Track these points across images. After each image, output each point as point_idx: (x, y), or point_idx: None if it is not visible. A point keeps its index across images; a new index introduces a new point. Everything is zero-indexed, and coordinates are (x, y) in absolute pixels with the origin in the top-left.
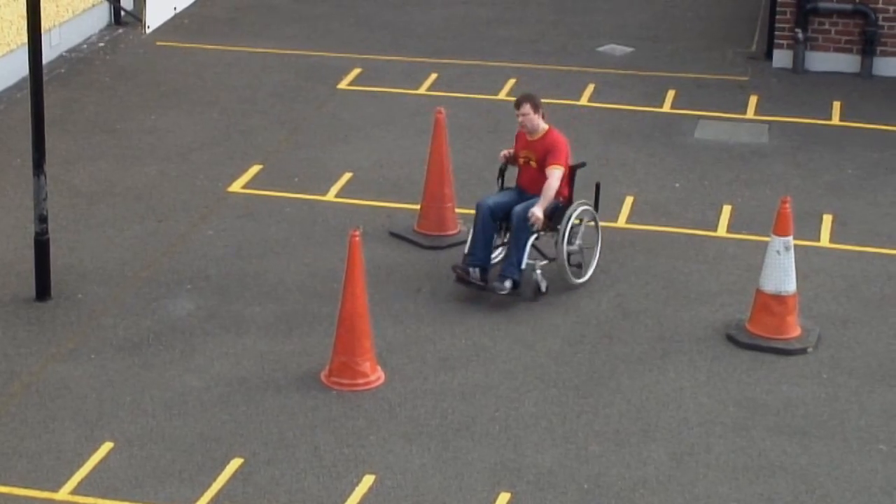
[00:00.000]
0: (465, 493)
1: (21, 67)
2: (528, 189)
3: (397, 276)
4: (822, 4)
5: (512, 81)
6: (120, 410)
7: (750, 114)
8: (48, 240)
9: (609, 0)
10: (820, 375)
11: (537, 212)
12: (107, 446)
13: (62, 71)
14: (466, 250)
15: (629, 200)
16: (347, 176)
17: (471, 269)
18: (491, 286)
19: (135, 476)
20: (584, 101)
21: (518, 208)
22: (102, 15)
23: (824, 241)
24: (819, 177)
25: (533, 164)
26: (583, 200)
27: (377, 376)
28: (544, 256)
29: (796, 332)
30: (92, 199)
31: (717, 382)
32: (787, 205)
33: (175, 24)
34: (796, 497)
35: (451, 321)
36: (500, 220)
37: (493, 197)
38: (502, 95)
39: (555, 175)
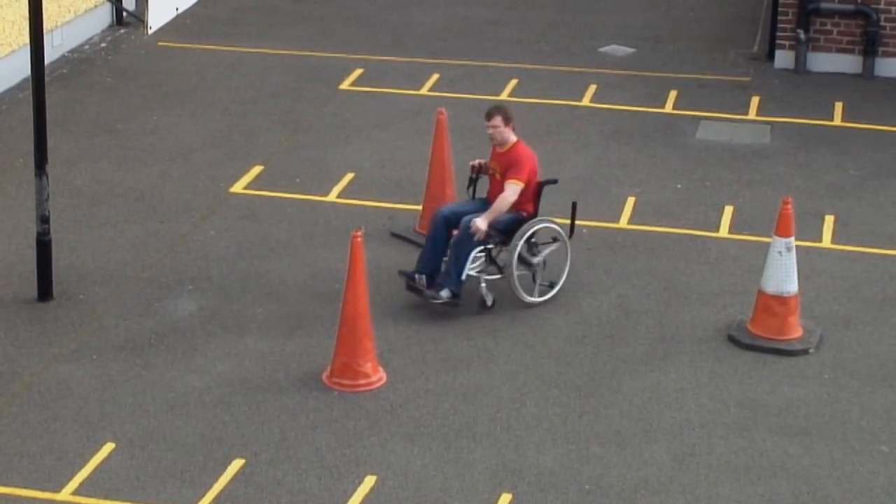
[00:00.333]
0: (466, 494)
1: (23, 68)
2: (493, 202)
3: (398, 277)
4: (823, 5)
5: (514, 82)
6: (121, 411)
7: (752, 114)
8: (50, 240)
9: (611, 1)
10: (821, 376)
11: (479, 222)
12: (108, 447)
13: (64, 71)
14: (419, 256)
15: (631, 201)
16: (349, 176)
17: (417, 276)
18: (426, 294)
19: (136, 477)
20: (585, 101)
21: (466, 218)
22: (104, 15)
23: (826, 241)
24: (821, 177)
25: (498, 176)
26: (546, 218)
27: (379, 377)
28: (500, 271)
29: (798, 332)
30: (94, 199)
31: (718, 383)
32: (789, 205)
33: (177, 25)
34: (798, 498)
35: (452, 322)
36: (454, 229)
37: (453, 205)
38: (504, 96)
39: (511, 189)
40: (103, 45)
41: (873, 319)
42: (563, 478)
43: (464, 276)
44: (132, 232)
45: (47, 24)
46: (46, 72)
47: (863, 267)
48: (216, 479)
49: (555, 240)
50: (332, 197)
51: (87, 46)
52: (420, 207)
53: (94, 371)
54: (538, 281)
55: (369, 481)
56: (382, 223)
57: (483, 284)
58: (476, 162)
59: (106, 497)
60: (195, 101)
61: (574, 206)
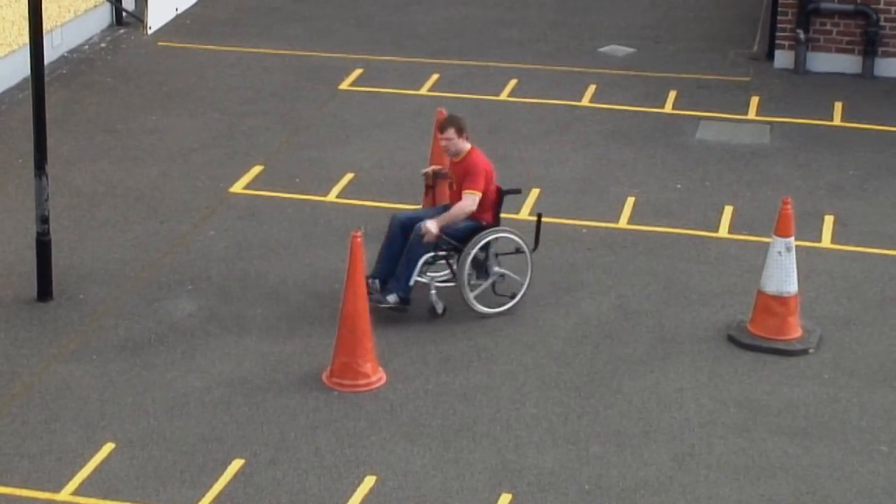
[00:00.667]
0: (466, 494)
1: (23, 68)
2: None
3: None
4: (823, 5)
5: (513, 82)
6: (121, 411)
7: (751, 114)
8: (50, 240)
9: (611, 1)
10: (821, 376)
11: (430, 224)
12: (108, 447)
13: (64, 71)
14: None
15: (630, 201)
16: (349, 176)
17: (370, 280)
18: (373, 297)
19: (136, 477)
20: (585, 101)
21: (418, 224)
22: (104, 15)
23: (826, 241)
24: (820, 177)
25: (454, 185)
26: (506, 228)
27: (378, 377)
28: (454, 279)
29: (797, 332)
30: (93, 199)
31: (718, 383)
32: (789, 205)
33: (176, 25)
34: (797, 498)
35: (452, 322)
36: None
37: (411, 212)
38: (504, 96)
39: (469, 199)
40: (103, 45)
41: (873, 319)
42: (562, 478)
43: (412, 282)
44: (132, 232)
45: (47, 24)
46: (46, 72)
47: (862, 267)
48: (216, 480)
49: (517, 251)
50: (331, 197)
51: (86, 46)
52: (420, 207)
53: (93, 371)
54: (499, 292)
55: (369, 481)
56: (382, 223)
57: (433, 291)
58: (429, 169)
59: (106, 497)
60: (195, 101)
61: (539, 217)
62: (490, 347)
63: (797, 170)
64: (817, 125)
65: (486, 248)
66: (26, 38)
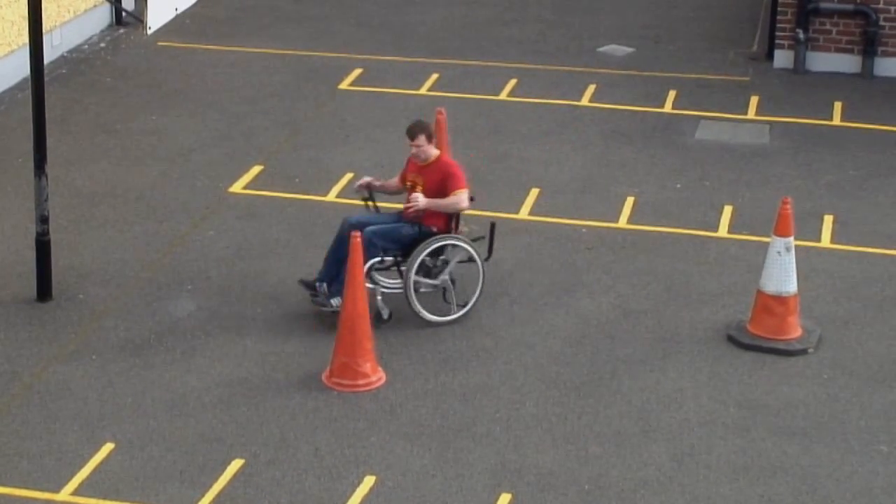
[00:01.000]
0: (465, 494)
1: (22, 68)
2: (408, 215)
3: (398, 277)
4: (823, 5)
5: (513, 82)
6: (121, 411)
7: (751, 114)
8: (49, 240)
9: (610, 0)
10: (821, 376)
11: (421, 197)
12: (108, 447)
13: (63, 71)
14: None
15: (630, 201)
16: (348, 176)
17: (318, 284)
18: (316, 300)
19: (136, 477)
20: (584, 101)
21: (369, 229)
22: (104, 15)
23: (825, 241)
24: (820, 177)
25: (419, 188)
26: (457, 237)
27: (378, 377)
28: (398, 278)
29: (797, 332)
30: (93, 199)
31: (717, 383)
32: (788, 205)
33: (176, 25)
34: (797, 498)
35: (451, 322)
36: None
37: (363, 216)
38: (503, 96)
39: (462, 196)
40: (102, 45)
41: (872, 319)
42: (562, 478)
43: None
44: (131, 232)
45: (46, 23)
46: (46, 72)
47: (862, 267)
48: (216, 480)
49: (470, 260)
50: (331, 197)
51: (86, 46)
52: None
53: (93, 371)
54: (448, 300)
55: (368, 481)
56: None
57: (379, 297)
58: (364, 181)
59: (105, 497)
60: (194, 101)
61: (493, 226)
62: (489, 347)
63: (797, 169)
64: (817, 125)
65: (435, 255)
66: (26, 38)
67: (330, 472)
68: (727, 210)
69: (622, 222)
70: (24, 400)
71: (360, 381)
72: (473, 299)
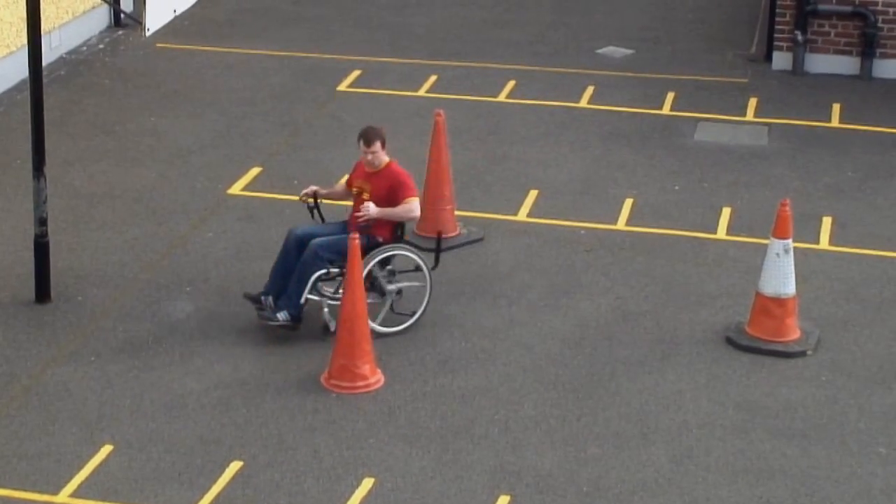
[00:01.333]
0: (464, 496)
1: (21, 69)
2: (354, 224)
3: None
4: (821, 6)
5: (511, 83)
6: (120, 413)
7: (749, 116)
8: (48, 242)
9: (609, 2)
10: (819, 378)
11: (372, 206)
12: (106, 449)
13: (62, 73)
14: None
15: (629, 203)
16: (347, 178)
17: (263, 298)
18: (263, 315)
19: (134, 479)
20: (583, 102)
21: (316, 241)
22: (102, 17)
23: (824, 243)
24: (818, 179)
25: (366, 195)
26: (404, 246)
27: (377, 379)
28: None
29: (796, 334)
30: (92, 201)
31: (716, 385)
32: (787, 207)
33: (175, 27)
34: (796, 500)
35: (450, 324)
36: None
37: (307, 227)
38: (502, 97)
39: (415, 205)
40: (101, 46)
41: (871, 321)
42: (561, 479)
43: (303, 300)
44: (130, 233)
45: (45, 25)
46: (45, 73)
47: (860, 269)
48: (214, 481)
49: (417, 269)
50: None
51: (85, 48)
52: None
53: (92, 373)
54: (396, 310)
55: (367, 483)
56: None
57: (325, 309)
58: (310, 189)
59: (104, 499)
60: (193, 102)
61: (439, 235)
62: (488, 349)
63: (795, 171)
64: (815, 126)
65: (382, 265)
66: (25, 40)
67: (328, 473)
68: (726, 212)
69: (621, 224)
70: (22, 401)
71: (359, 383)
72: (421, 308)
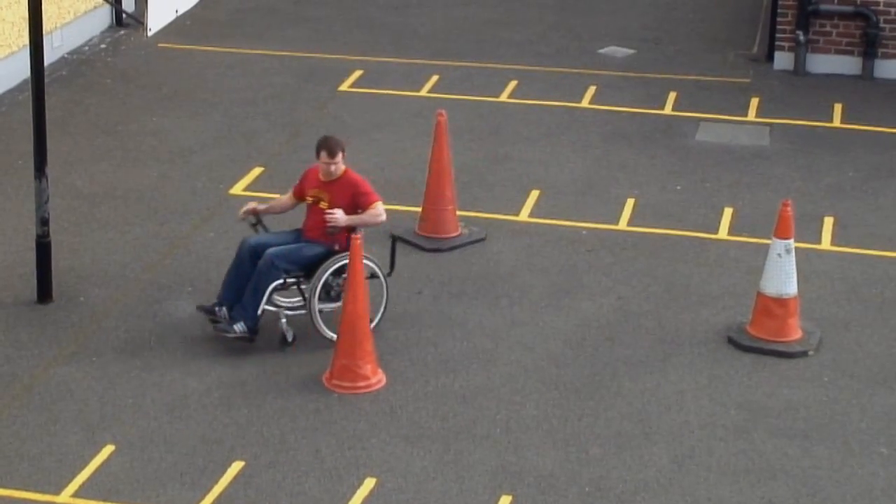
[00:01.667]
0: (466, 496)
1: (23, 69)
2: (311, 233)
3: (398, 279)
4: (823, 6)
5: (513, 83)
6: (121, 413)
7: (751, 116)
8: (50, 242)
9: (610, 2)
10: (821, 378)
11: (339, 214)
12: (108, 449)
13: (64, 73)
14: (221, 286)
15: (630, 203)
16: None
17: (217, 309)
18: (219, 327)
19: (136, 479)
20: (585, 103)
21: (271, 251)
22: (104, 17)
23: (825, 243)
24: (820, 179)
25: (323, 204)
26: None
27: (378, 379)
28: (305, 305)
29: (797, 334)
30: (93, 201)
31: (718, 385)
32: (788, 207)
33: (176, 27)
34: (797, 500)
35: (452, 324)
36: (258, 259)
37: (261, 236)
38: (503, 97)
39: (381, 210)
40: (103, 46)
41: (872, 321)
42: (562, 480)
43: (260, 311)
44: (132, 233)
45: (47, 25)
46: (46, 73)
47: (862, 269)
48: (216, 482)
49: (372, 276)
50: None
51: (86, 48)
52: (420, 209)
53: (93, 373)
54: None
55: (369, 483)
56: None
57: (283, 320)
58: (249, 208)
59: (106, 499)
60: (195, 102)
61: (394, 240)
62: (490, 349)
63: (797, 171)
64: (817, 127)
65: (338, 274)
66: (26, 40)
67: (330, 473)
68: (727, 212)
69: (622, 224)
70: (24, 401)
71: (361, 383)
72: (379, 315)
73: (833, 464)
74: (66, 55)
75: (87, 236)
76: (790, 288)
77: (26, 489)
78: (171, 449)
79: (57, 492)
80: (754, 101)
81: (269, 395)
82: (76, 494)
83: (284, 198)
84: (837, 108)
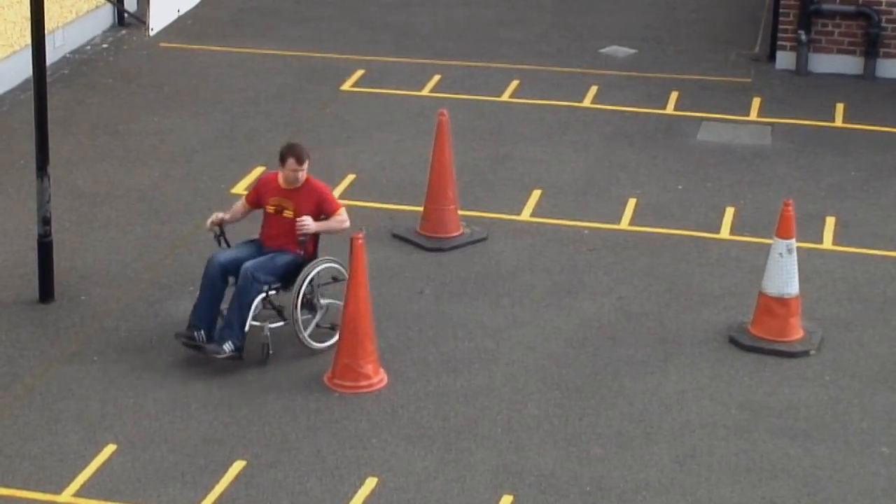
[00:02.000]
0: (467, 496)
1: (25, 69)
2: (274, 242)
3: (400, 279)
4: (825, 6)
5: (515, 83)
6: (123, 412)
7: (753, 115)
8: (51, 242)
9: (612, 1)
10: (822, 378)
11: (309, 220)
12: (109, 448)
13: (66, 72)
14: (192, 308)
15: (632, 202)
16: (350, 178)
17: (196, 333)
18: (208, 348)
19: (137, 478)
20: (586, 102)
21: (248, 265)
22: (106, 16)
23: (827, 243)
24: (822, 179)
25: (289, 213)
26: (328, 258)
27: (380, 378)
28: (281, 317)
29: (799, 334)
30: (95, 200)
31: (719, 385)
32: (790, 207)
33: (178, 26)
34: (798, 500)
35: (453, 323)
36: (230, 276)
37: (228, 252)
38: (505, 97)
39: (346, 216)
40: (105, 45)
41: (874, 321)
42: (563, 479)
43: (247, 328)
44: (133, 233)
45: (49, 24)
46: (48, 73)
47: (864, 268)
48: (217, 481)
49: (335, 279)
50: None
51: (88, 47)
52: (422, 209)
53: (95, 372)
54: (320, 325)
55: (370, 483)
56: (384, 224)
57: (267, 333)
58: (216, 218)
59: (107, 499)
60: (197, 102)
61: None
62: (491, 349)
63: (798, 171)
64: (819, 126)
65: (311, 281)
66: (28, 39)
67: (332, 473)
68: (729, 211)
69: (624, 224)
70: (25, 401)
71: (362, 383)
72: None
73: (834, 463)
74: (67, 55)
75: (88, 236)
76: (792, 288)
77: (28, 489)
78: (173, 448)
79: (58, 491)
80: (756, 101)
81: (270, 395)
82: (77, 494)
83: (238, 206)
84: (839, 107)
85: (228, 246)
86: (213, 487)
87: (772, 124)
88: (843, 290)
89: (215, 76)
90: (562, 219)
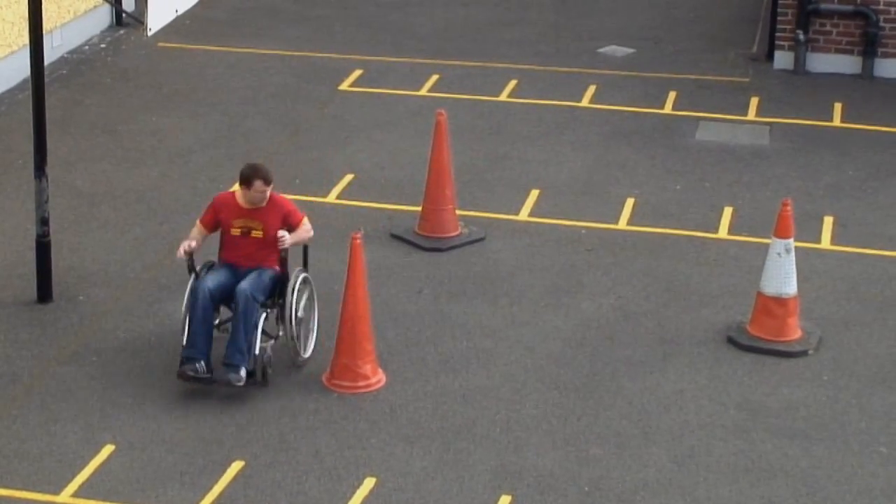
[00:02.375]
0: (466, 496)
1: (23, 69)
2: (250, 261)
3: (398, 279)
4: (823, 6)
5: (513, 83)
6: (121, 413)
7: (751, 115)
8: (49, 242)
9: (610, 1)
10: (821, 378)
11: (287, 234)
12: (108, 449)
13: (64, 72)
14: (185, 342)
15: (630, 202)
16: (349, 178)
17: (198, 366)
18: (223, 379)
19: (136, 479)
20: (585, 102)
21: (244, 287)
22: (104, 16)
23: (825, 242)
24: (820, 178)
25: (258, 233)
26: (299, 268)
27: (378, 378)
28: (268, 336)
29: (797, 334)
30: (93, 200)
31: (717, 385)
32: (788, 207)
33: (176, 26)
34: (797, 500)
35: (452, 323)
36: (219, 303)
37: (210, 279)
38: (503, 97)
39: (310, 225)
40: (103, 45)
41: (872, 321)
42: (562, 479)
43: (257, 350)
44: (132, 233)
45: (47, 24)
46: (46, 72)
47: (862, 268)
48: (216, 482)
49: (304, 282)
50: (331, 198)
51: (86, 47)
52: (420, 209)
53: (93, 373)
54: (303, 335)
55: (369, 483)
56: (382, 224)
57: (270, 355)
58: (187, 245)
59: (105, 499)
60: (195, 101)
61: (305, 249)
62: (489, 349)
63: (796, 171)
64: (817, 126)
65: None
66: (26, 39)
67: (330, 473)
68: (727, 211)
69: (622, 223)
70: (24, 401)
71: (361, 383)
72: (314, 323)
73: (833, 463)
74: (65, 54)
75: (87, 236)
76: (790, 287)
77: (26, 489)
78: (171, 449)
79: (57, 492)
80: (754, 101)
81: (268, 395)
82: (76, 494)
83: (195, 232)
84: (837, 107)
85: (197, 274)
86: (211, 488)
87: (770, 124)
88: (841, 290)
89: (213, 76)
90: (560, 219)
